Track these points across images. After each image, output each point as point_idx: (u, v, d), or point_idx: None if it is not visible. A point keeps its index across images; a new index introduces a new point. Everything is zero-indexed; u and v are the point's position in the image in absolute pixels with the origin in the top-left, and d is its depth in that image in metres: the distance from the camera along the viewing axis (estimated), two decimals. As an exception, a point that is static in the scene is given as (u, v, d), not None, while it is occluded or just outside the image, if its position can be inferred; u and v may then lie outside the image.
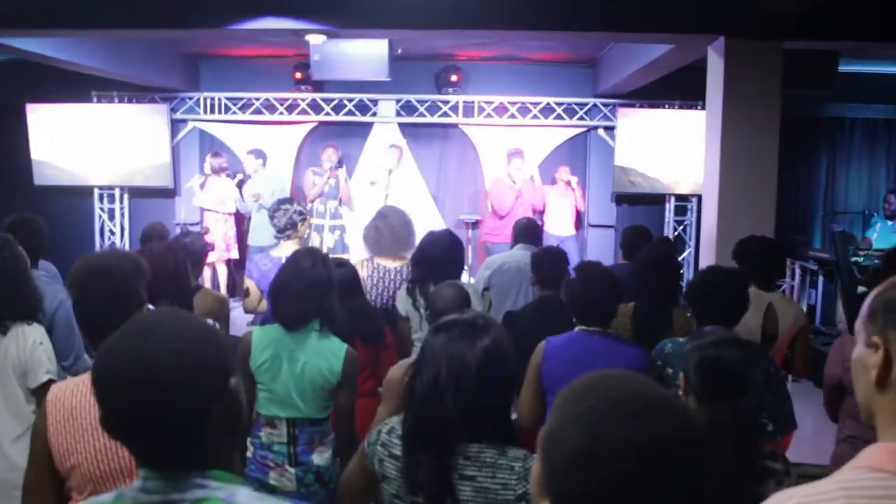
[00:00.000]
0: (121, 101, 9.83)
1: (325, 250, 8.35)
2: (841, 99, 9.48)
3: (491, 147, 9.76)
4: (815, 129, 10.44)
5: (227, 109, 9.94)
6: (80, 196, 10.06)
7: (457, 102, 9.79)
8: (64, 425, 2.05)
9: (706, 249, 5.75)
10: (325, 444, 3.10)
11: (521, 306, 4.44)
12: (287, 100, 9.86)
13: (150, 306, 2.33)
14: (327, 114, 9.88)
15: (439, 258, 4.21)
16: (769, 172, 5.48)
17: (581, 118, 9.89)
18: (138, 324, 1.37)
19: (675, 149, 9.39)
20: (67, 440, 2.04)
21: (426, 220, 9.03)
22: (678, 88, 8.92)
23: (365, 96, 9.77)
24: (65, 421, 2.05)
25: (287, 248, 4.57)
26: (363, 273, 4.72)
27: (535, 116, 9.83)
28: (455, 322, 2.07)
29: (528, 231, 5.32)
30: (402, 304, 4.30)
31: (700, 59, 5.92)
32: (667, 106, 9.59)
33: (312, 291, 3.08)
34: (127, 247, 9.94)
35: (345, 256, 8.71)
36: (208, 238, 8.58)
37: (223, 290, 9.26)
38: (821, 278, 8.28)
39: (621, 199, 10.00)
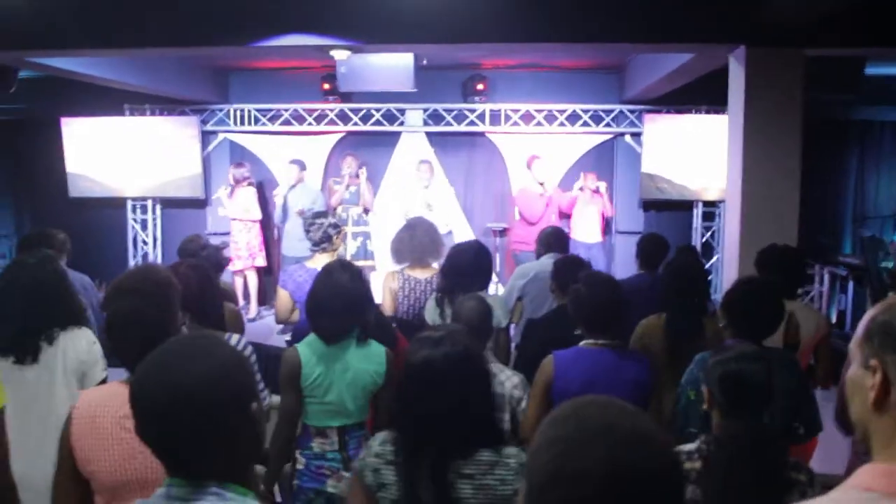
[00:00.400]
0: (152, 113, 10.02)
1: (348, 257, 8.44)
2: (870, 102, 9.37)
3: (518, 155, 9.76)
4: (844, 133, 10.34)
5: (257, 121, 10.08)
6: (113, 207, 10.24)
7: (483, 111, 9.84)
8: (86, 432, 2.12)
9: (730, 256, 5.74)
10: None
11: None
12: (315, 110, 9.97)
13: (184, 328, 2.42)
14: (355, 124, 9.97)
15: (466, 268, 4.26)
16: (792, 180, 5.45)
17: (608, 125, 9.89)
18: (174, 353, 1.53)
19: (702, 154, 9.36)
20: (88, 447, 2.11)
21: (456, 229, 9.09)
22: (705, 93, 8.83)
23: (392, 106, 9.85)
24: (87, 428, 2.13)
25: (322, 261, 4.61)
26: (395, 285, 4.80)
27: (561, 124, 9.84)
28: (427, 338, 2.24)
29: (557, 239, 5.30)
30: (431, 314, 4.35)
31: (726, 63, 5.91)
32: (694, 111, 9.56)
33: (353, 309, 3.16)
34: (160, 257, 10.13)
35: (368, 263, 8.81)
36: (231, 247, 8.74)
37: (253, 300, 9.39)
38: (850, 284, 8.22)
39: (648, 205, 9.97)
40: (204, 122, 10.06)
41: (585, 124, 9.84)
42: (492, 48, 6.41)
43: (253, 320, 9.10)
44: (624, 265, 9.27)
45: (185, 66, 9.06)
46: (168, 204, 10.36)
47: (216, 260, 4.41)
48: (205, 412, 1.44)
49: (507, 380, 3.30)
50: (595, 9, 5.46)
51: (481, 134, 10.01)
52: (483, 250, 4.46)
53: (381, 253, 8.91)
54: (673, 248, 5.75)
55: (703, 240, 9.90)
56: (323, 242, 4.81)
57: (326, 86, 9.62)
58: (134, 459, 2.07)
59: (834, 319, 8.23)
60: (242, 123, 10.11)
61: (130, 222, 10.35)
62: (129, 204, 10.29)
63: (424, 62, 8.60)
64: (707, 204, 9.89)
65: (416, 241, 4.95)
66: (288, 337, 5.57)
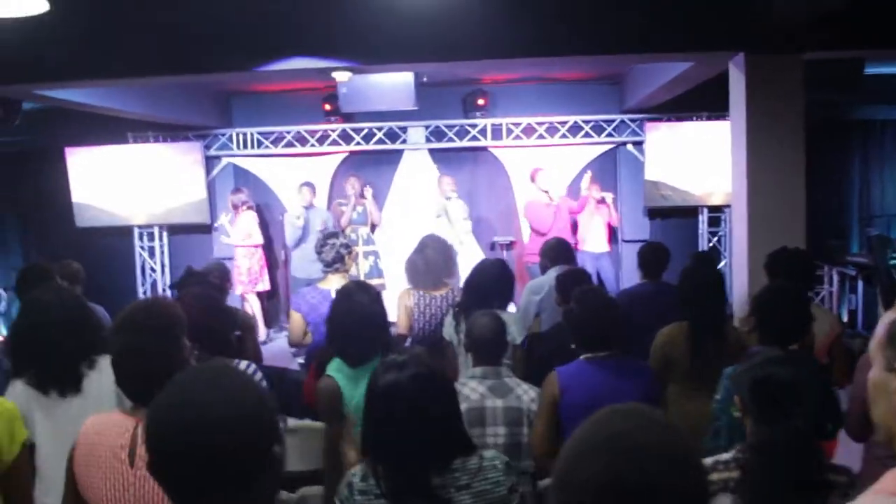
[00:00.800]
0: (156, 140, 10.05)
1: (361, 276, 8.45)
2: (870, 101, 9.40)
3: (521, 168, 9.77)
4: (847, 133, 10.34)
5: (260, 144, 10.11)
6: (120, 236, 10.26)
7: (485, 125, 9.86)
8: (85, 459, 2.10)
9: (738, 261, 5.75)
10: None
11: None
12: (318, 132, 10.00)
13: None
14: (358, 143, 10.00)
15: (487, 286, 4.28)
16: (797, 182, 5.46)
17: (609, 135, 9.90)
18: (191, 390, 1.42)
19: (705, 160, 9.35)
20: (86, 474, 2.08)
21: (466, 244, 9.07)
22: (705, 100, 8.84)
23: (394, 124, 9.87)
24: (87, 454, 2.10)
25: (335, 281, 4.63)
26: (409, 302, 4.77)
27: (563, 135, 9.85)
28: (391, 362, 2.27)
29: (561, 251, 5.28)
30: (448, 329, 4.36)
31: (726, 70, 5.93)
32: (695, 118, 9.57)
33: (375, 332, 3.19)
34: (168, 281, 10.13)
35: (380, 281, 8.81)
36: (234, 272, 8.74)
37: (260, 323, 9.37)
38: (860, 283, 8.21)
39: (654, 213, 9.97)
40: (207, 148, 10.09)
41: (587, 135, 9.85)
42: (491, 63, 6.42)
43: (265, 343, 9.08)
44: (632, 274, 9.22)
45: (186, 91, 9.09)
46: (175, 230, 10.38)
47: (224, 278, 4.42)
48: (223, 459, 1.34)
49: (524, 393, 3.30)
50: (593, 21, 5.48)
51: (483, 149, 10.04)
52: (506, 271, 4.48)
53: (389, 271, 8.93)
54: (680, 256, 5.76)
55: (710, 245, 9.89)
56: (335, 263, 4.80)
57: (328, 106, 9.64)
58: (126, 491, 2.02)
59: (845, 319, 8.21)
60: (245, 147, 10.14)
61: (138, 250, 10.36)
62: (136, 231, 10.31)
63: (425, 79, 8.62)
64: (712, 209, 9.89)
65: (429, 263, 4.91)
66: (301, 359, 5.56)
